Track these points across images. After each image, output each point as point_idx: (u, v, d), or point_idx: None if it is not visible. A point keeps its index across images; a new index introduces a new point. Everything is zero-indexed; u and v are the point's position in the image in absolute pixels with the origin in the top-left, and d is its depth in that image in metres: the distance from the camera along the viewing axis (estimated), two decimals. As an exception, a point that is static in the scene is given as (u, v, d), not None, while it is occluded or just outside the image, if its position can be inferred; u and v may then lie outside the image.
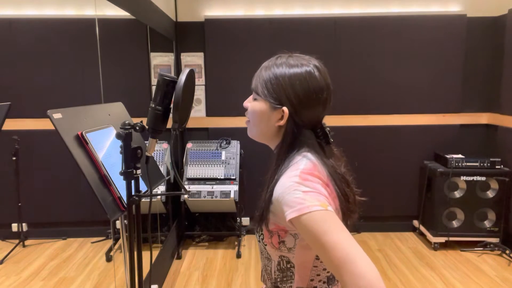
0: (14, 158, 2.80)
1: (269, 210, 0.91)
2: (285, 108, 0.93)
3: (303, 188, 0.83)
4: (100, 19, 2.02)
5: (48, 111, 1.26)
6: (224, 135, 3.60)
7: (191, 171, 3.40)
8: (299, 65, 0.94)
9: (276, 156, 0.96)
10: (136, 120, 1.29)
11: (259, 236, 0.97)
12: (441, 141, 3.70)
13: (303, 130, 0.94)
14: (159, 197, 3.10)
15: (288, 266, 0.95)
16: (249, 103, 1.01)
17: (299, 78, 0.92)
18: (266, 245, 0.96)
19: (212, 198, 3.26)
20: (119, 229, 2.90)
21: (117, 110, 1.66)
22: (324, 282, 0.96)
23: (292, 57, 0.96)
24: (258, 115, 0.98)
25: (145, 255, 1.38)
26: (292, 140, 0.94)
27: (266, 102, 0.96)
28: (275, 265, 0.97)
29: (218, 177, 3.37)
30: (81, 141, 1.32)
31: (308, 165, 0.89)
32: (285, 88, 0.93)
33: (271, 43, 3.56)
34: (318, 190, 0.84)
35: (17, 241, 2.97)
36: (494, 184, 3.34)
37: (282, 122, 0.94)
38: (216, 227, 3.70)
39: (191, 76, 1.21)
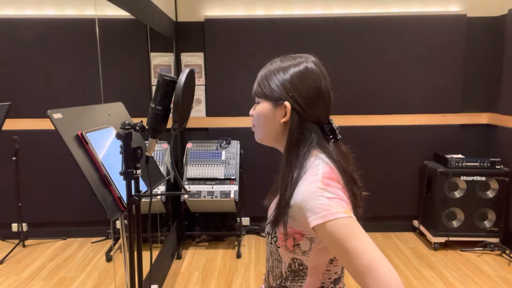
0: (14, 158, 2.80)
1: (287, 214, 0.90)
2: (286, 103, 0.93)
3: (327, 194, 0.84)
4: (100, 19, 2.02)
5: (48, 111, 1.26)
6: (224, 135, 3.60)
7: (191, 171, 3.40)
8: (292, 59, 0.97)
9: (285, 154, 0.95)
10: (136, 120, 1.29)
11: (272, 238, 0.97)
12: (441, 141, 3.70)
13: (308, 124, 0.94)
14: (159, 197, 3.10)
15: (301, 268, 0.96)
16: (253, 110, 1.03)
17: (294, 70, 0.95)
18: (279, 247, 0.96)
19: (212, 198, 3.26)
20: (119, 229, 2.89)
21: (117, 110, 1.66)
22: (331, 282, 0.97)
23: (285, 56, 0.99)
24: (263, 116, 0.98)
25: (145, 255, 1.38)
26: (299, 134, 0.94)
27: (267, 101, 0.97)
28: (286, 266, 0.97)
29: (218, 177, 3.37)
30: (81, 141, 1.31)
31: (326, 169, 0.90)
32: (283, 83, 0.94)
33: (271, 43, 3.56)
34: (341, 196, 0.85)
35: (17, 241, 2.96)
36: (494, 184, 3.34)
37: (286, 118, 0.94)
38: (216, 227, 3.70)
39: (191, 76, 1.21)
